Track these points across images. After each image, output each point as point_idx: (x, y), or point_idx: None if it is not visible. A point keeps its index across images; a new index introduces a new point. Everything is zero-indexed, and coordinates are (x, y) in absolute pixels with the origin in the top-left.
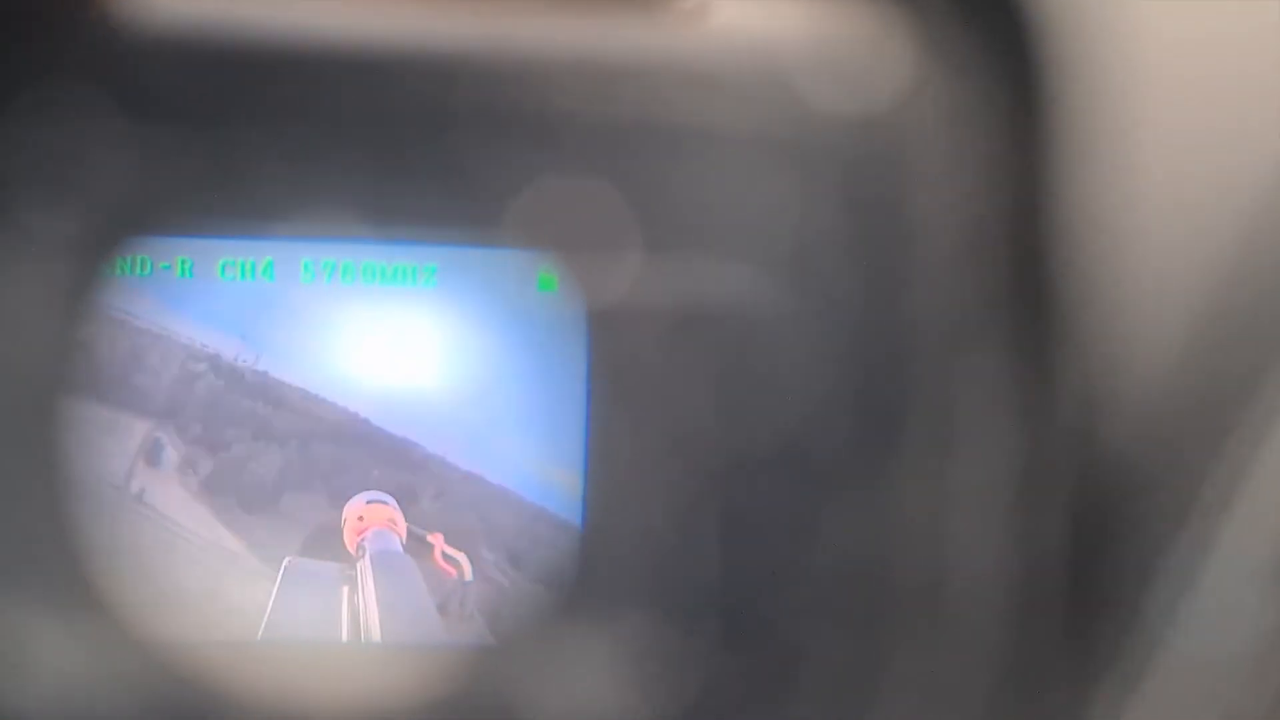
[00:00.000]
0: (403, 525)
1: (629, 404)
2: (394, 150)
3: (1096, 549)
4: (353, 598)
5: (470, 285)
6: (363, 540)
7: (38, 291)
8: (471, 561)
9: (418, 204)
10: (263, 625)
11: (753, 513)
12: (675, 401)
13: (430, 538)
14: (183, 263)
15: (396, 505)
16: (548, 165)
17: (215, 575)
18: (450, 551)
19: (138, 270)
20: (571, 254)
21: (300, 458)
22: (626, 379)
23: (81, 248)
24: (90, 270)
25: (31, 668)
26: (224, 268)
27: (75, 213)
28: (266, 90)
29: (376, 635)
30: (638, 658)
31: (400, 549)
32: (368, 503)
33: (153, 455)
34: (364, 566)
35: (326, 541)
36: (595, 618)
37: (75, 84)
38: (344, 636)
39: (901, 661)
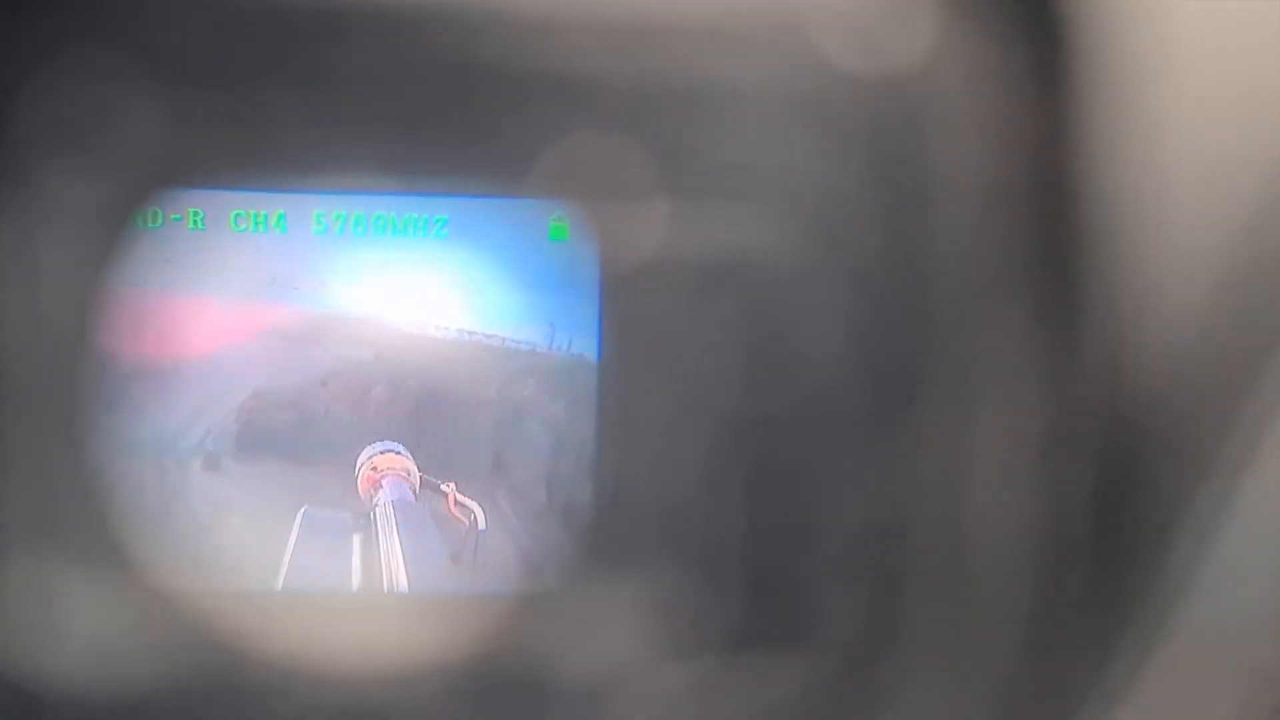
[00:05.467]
0: (416, 474)
1: (643, 358)
2: (408, 102)
3: (1119, 508)
4: (366, 547)
5: (481, 236)
6: (376, 490)
7: (60, 250)
8: (485, 511)
9: (430, 155)
10: (282, 575)
11: (771, 469)
12: (691, 356)
13: (443, 487)
14: (194, 214)
15: (409, 455)
16: (564, 118)
17: (234, 526)
18: (463, 500)
19: (149, 223)
20: (587, 208)
21: (314, 407)
22: (640, 333)
23: (101, 205)
24: (111, 227)
25: (53, 621)
26: (236, 219)
27: (94, 170)
28: (282, 44)
29: (390, 584)
30: (653, 614)
31: (413, 498)
32: (381, 452)
33: (171, 408)
34: (377, 516)
35: (340, 491)
36: (611, 572)
37: (93, 41)
38: (356, 586)
39: (923, 619)
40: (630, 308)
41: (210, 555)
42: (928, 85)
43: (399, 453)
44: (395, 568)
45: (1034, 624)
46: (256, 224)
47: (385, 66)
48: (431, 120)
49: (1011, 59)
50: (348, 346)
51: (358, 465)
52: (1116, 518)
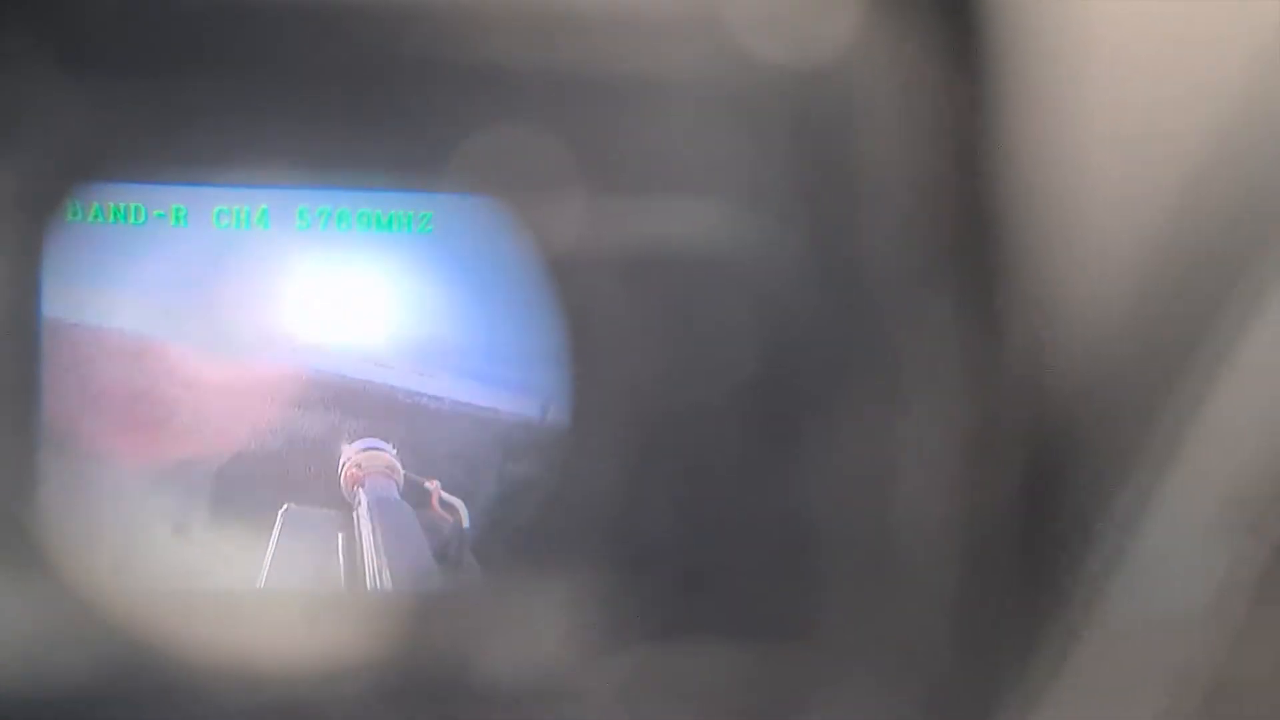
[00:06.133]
0: (399, 472)
1: (586, 352)
2: (383, 99)
3: (1042, 506)
4: (349, 545)
5: (466, 233)
6: (360, 487)
7: (7, 238)
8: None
9: (408, 152)
10: (264, 573)
11: (710, 465)
12: (631, 352)
13: (428, 484)
14: (177, 210)
15: (393, 452)
16: (514, 115)
17: (214, 524)
18: (448, 498)
19: (132, 219)
20: (528, 201)
21: (295, 405)
22: (580, 327)
23: (60, 197)
24: (60, 220)
25: (29, 622)
26: (219, 215)
27: (54, 161)
28: (257, 38)
29: (373, 583)
30: (595, 607)
31: (397, 496)
32: (364, 449)
33: (146, 402)
34: (361, 514)
35: (323, 488)
36: (561, 566)
37: (61, 38)
38: (341, 584)
39: (848, 615)
40: (558, 302)
41: (192, 554)
42: (848, 78)
43: (383, 450)
44: (379, 566)
45: (958, 620)
46: (239, 220)
47: (341, 61)
48: (392, 118)
49: (932, 52)
50: (323, 408)
51: (340, 462)
52: (1039, 516)
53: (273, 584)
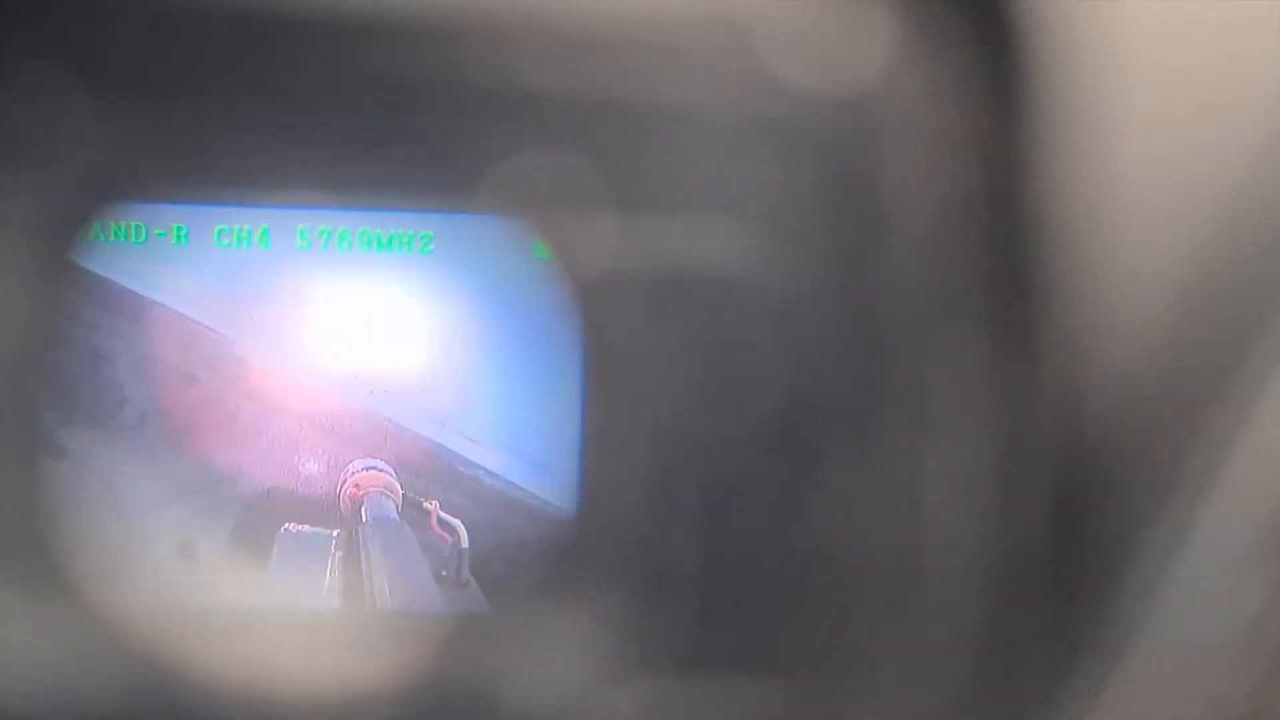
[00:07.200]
0: (398, 491)
1: (607, 377)
2: (386, 118)
3: (1076, 532)
4: (347, 564)
5: (467, 252)
6: (359, 506)
7: (17, 260)
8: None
9: (409, 172)
10: (262, 592)
11: (733, 489)
12: (653, 377)
13: (426, 504)
14: (178, 229)
15: (392, 472)
16: (538, 136)
17: (212, 543)
18: (447, 518)
19: (132, 238)
20: (557, 224)
21: (295, 424)
22: (605, 353)
23: (68, 218)
24: (72, 240)
25: (33, 642)
26: (219, 234)
27: (62, 181)
28: (258, 58)
29: (372, 602)
30: (617, 634)
31: (396, 515)
32: (363, 469)
33: (144, 423)
34: (360, 533)
35: (322, 507)
36: (580, 591)
37: (61, 55)
38: (336, 603)
39: (879, 642)
40: (596, 329)
41: (190, 574)
42: (882, 103)
43: (382, 470)
44: (378, 586)
45: (990, 649)
46: (240, 239)
47: (343, 81)
48: (409, 138)
49: (966, 77)
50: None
51: (340, 482)
52: (1073, 542)
53: (271, 603)
